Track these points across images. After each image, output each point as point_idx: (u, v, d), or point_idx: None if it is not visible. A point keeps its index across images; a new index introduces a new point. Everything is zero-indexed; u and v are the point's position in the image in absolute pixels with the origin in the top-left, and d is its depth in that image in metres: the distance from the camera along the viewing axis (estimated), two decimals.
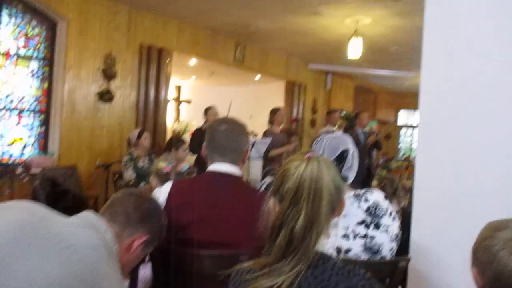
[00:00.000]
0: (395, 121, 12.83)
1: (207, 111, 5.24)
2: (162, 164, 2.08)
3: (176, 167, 2.09)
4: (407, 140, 13.20)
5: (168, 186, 1.65)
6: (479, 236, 1.11)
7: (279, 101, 8.79)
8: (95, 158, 5.74)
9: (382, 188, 3.44)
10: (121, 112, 6.04)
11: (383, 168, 9.25)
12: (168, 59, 6.47)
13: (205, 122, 5.22)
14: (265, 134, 5.35)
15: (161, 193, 1.62)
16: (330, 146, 1.61)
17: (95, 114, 5.78)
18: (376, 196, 1.66)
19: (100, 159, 5.76)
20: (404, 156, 11.97)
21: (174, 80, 8.81)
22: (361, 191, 1.66)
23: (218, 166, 1.69)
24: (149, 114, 6.33)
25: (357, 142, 5.95)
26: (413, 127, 12.90)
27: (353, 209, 1.58)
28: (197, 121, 8.49)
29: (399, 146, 13.02)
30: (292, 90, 8.73)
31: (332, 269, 0.98)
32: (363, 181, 6.13)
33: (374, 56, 7.72)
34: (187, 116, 9.22)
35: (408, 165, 9.93)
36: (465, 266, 2.17)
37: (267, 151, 5.00)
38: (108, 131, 5.94)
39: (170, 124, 8.85)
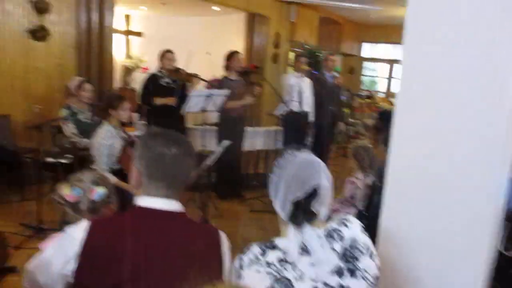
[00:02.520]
0: (359, 53, 12.45)
1: (163, 55, 4.62)
2: (66, 190, 1.54)
3: (88, 192, 1.53)
4: (370, 73, 12.95)
5: (81, 229, 1.21)
6: None
7: (239, 34, 8.16)
8: (33, 104, 5.11)
9: (358, 161, 3.17)
10: (60, 52, 5.30)
11: (346, 106, 9.04)
12: None
13: (160, 68, 4.64)
14: (222, 82, 4.85)
15: (72, 240, 1.19)
16: (299, 177, 1.23)
17: (28, 55, 5.04)
18: (353, 230, 1.33)
19: (38, 105, 5.14)
20: (367, 90, 11.80)
21: (122, 9, 7.90)
22: (334, 225, 1.32)
23: (157, 202, 1.26)
24: (93, 48, 5.57)
25: (324, 85, 5.66)
26: (376, 61, 12.60)
27: (325, 254, 1.25)
28: (149, 56, 7.79)
29: (361, 80, 12.78)
30: (253, 22, 8.05)
31: None
32: (328, 126, 5.88)
33: None
34: (138, 51, 8.43)
35: (370, 103, 9.79)
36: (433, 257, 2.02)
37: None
38: (46, 74, 5.24)
39: (120, 59, 8.09)
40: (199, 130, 5.08)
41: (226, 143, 3.69)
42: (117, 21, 6.57)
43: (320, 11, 9.68)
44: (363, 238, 1.35)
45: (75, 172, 3.50)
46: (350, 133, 8.69)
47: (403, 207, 2.09)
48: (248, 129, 5.17)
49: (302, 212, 1.25)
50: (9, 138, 4.48)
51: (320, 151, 5.84)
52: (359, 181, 3.16)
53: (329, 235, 1.29)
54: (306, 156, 1.30)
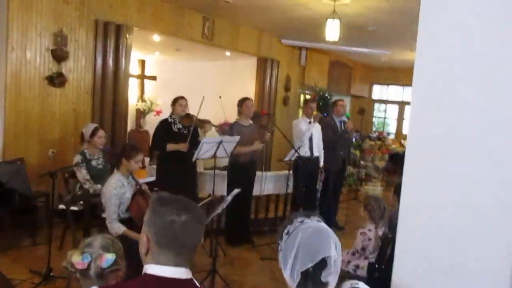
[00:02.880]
0: (369, 95, 12.57)
1: (175, 101, 4.71)
2: (76, 257, 1.54)
3: (97, 259, 1.53)
4: (380, 114, 13.01)
5: None
6: None
7: (251, 78, 8.33)
8: (47, 148, 5.21)
9: (369, 212, 3.14)
10: (75, 97, 5.45)
11: (356, 148, 9.05)
12: (128, 36, 5.83)
13: (172, 113, 4.72)
14: (232, 127, 4.91)
15: None
16: (308, 247, 1.23)
17: (45, 100, 5.18)
18: None
19: (52, 149, 5.24)
20: (377, 132, 11.82)
21: (137, 55, 8.15)
22: None
23: (165, 270, 1.25)
24: (108, 93, 5.71)
25: (334, 131, 5.69)
26: (387, 102, 12.70)
27: None
28: (163, 99, 7.95)
29: (373, 121, 12.84)
30: (264, 66, 8.23)
31: None
32: (336, 173, 5.88)
33: (351, 34, 7.28)
34: (152, 94, 8.61)
35: (381, 145, 9.78)
36: None
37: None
38: (61, 118, 5.36)
39: (134, 102, 8.26)
40: (209, 174, 5.10)
41: (236, 191, 3.70)
42: (132, 66, 6.77)
43: (330, 55, 9.88)
44: None
45: (85, 219, 3.52)
46: (361, 175, 8.64)
47: (416, 260, 2.05)
48: (259, 173, 5.18)
49: (311, 282, 1.24)
50: (23, 182, 4.53)
51: (331, 195, 5.81)
52: (371, 232, 3.12)
53: None
54: (315, 225, 1.30)
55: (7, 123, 4.88)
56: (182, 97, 4.74)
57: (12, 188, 4.39)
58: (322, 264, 1.24)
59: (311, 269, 1.24)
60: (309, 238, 1.25)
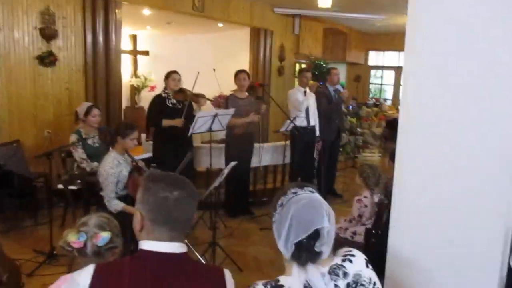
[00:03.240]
0: (365, 62, 12.44)
1: (168, 76, 4.65)
2: (72, 237, 1.57)
3: (93, 237, 1.56)
4: (377, 81, 12.92)
5: (86, 275, 1.22)
6: None
7: (244, 49, 8.22)
8: (42, 129, 5.20)
9: (364, 179, 3.17)
10: (67, 77, 5.39)
11: (353, 116, 9.03)
12: (117, 11, 5.71)
13: (165, 88, 4.67)
14: (228, 100, 4.89)
15: (77, 286, 1.20)
16: (301, 220, 1.24)
17: (37, 80, 5.13)
18: (357, 265, 1.33)
19: (48, 129, 5.23)
20: (374, 99, 11.78)
21: (128, 30, 8.01)
22: (338, 260, 1.33)
23: (160, 245, 1.27)
24: (100, 71, 5.64)
25: (329, 100, 5.67)
26: (383, 68, 12.59)
27: None
28: (156, 75, 7.87)
29: (369, 88, 12.76)
30: (258, 36, 8.11)
31: None
32: (332, 142, 5.89)
33: (345, 0, 7.15)
34: (145, 69, 8.52)
35: (378, 112, 9.76)
36: (444, 273, 2.00)
37: None
38: (55, 98, 5.33)
39: (128, 79, 8.18)
40: (206, 148, 5.11)
41: (232, 164, 3.71)
42: (124, 42, 6.67)
43: (324, 22, 9.72)
44: (368, 273, 1.35)
45: (84, 198, 3.54)
46: (358, 143, 8.66)
47: (411, 225, 2.08)
48: (256, 145, 5.19)
49: (305, 252, 1.26)
50: (21, 164, 4.54)
51: (328, 164, 5.84)
52: (367, 199, 3.16)
53: (333, 273, 1.30)
54: (308, 196, 1.31)
55: (0, 105, 4.86)
56: (175, 72, 4.68)
57: (10, 170, 4.41)
58: (315, 235, 1.26)
59: (304, 240, 1.26)
60: (302, 210, 1.26)
